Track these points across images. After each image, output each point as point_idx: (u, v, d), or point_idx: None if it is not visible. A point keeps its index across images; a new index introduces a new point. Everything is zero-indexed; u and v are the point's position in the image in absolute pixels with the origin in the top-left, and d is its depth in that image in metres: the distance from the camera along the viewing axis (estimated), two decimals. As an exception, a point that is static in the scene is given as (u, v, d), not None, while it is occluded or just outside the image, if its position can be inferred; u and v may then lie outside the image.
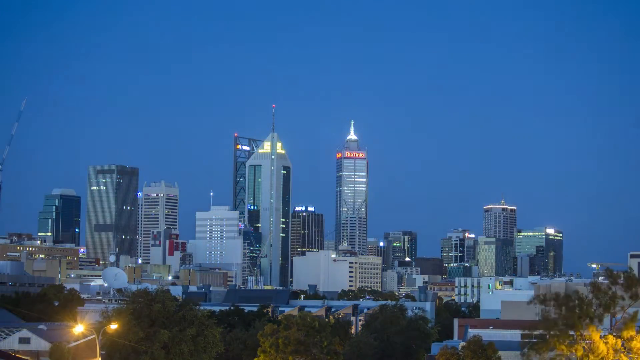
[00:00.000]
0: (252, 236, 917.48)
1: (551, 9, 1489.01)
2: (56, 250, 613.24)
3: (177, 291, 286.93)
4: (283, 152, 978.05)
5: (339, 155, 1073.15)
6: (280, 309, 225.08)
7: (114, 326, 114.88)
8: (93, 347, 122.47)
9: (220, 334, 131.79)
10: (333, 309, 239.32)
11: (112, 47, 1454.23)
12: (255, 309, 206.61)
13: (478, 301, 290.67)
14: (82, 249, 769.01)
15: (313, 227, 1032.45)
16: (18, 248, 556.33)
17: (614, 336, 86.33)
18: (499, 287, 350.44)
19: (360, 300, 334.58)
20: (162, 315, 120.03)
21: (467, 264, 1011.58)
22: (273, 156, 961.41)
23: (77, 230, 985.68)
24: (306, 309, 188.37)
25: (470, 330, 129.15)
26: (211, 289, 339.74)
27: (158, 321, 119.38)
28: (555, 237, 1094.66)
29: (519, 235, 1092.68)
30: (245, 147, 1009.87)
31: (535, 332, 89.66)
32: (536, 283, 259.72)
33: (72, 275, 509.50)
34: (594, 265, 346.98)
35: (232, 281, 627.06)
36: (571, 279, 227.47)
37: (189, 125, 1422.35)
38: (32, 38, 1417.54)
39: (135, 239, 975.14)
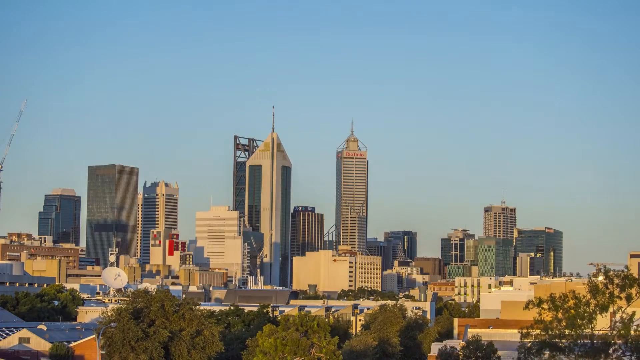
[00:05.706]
0: (252, 236, 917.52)
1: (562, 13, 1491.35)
2: (56, 250, 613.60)
3: (177, 291, 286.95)
4: (283, 152, 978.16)
5: (339, 155, 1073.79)
6: (280, 308, 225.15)
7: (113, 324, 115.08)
8: (93, 347, 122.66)
9: (220, 333, 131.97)
10: (333, 309, 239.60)
11: (111, 47, 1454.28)
12: (255, 308, 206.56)
13: (478, 301, 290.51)
14: (81, 249, 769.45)
15: (313, 227, 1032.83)
16: (18, 248, 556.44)
17: (612, 336, 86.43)
18: (498, 287, 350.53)
19: (360, 300, 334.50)
20: (162, 314, 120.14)
21: (467, 264, 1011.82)
22: (273, 156, 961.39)
23: (77, 230, 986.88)
24: (306, 309, 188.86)
25: (470, 330, 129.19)
26: (211, 289, 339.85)
27: (157, 321, 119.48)
28: (555, 237, 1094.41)
29: (519, 236, 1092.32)
30: (246, 147, 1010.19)
31: (534, 332, 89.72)
32: (536, 283, 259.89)
33: (72, 275, 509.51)
34: (593, 265, 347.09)
35: (232, 281, 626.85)
36: (571, 279, 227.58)
37: (189, 125, 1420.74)
38: (32, 38, 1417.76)
39: (135, 239, 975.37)
